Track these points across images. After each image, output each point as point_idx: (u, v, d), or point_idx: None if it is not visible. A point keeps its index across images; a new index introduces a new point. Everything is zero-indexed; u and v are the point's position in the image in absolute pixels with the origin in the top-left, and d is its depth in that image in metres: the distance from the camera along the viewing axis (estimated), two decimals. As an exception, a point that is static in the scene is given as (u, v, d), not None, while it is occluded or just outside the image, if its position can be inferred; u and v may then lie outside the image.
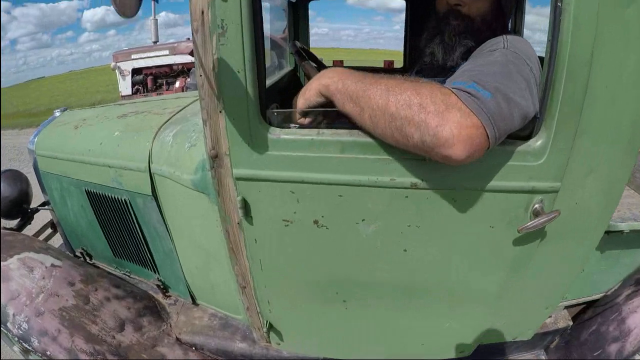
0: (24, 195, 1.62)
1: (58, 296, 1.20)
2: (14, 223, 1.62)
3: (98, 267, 1.44)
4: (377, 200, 0.72)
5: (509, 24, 0.99)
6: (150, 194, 1.05)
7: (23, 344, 1.15)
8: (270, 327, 1.05)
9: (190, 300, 1.32)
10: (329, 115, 0.72)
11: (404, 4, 1.77)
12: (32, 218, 1.70)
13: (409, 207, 0.74)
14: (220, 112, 0.67)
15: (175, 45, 5.56)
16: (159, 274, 1.32)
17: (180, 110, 1.21)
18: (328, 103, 0.69)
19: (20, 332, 1.15)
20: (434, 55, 0.90)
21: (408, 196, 0.72)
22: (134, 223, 1.21)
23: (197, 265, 1.14)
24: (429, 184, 0.71)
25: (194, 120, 1.02)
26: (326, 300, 0.94)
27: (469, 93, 0.57)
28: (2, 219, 1.58)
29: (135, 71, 5.71)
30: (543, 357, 1.30)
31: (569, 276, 1.01)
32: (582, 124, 0.68)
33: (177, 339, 1.26)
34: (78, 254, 1.48)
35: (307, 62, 0.95)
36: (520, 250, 0.85)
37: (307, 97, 0.70)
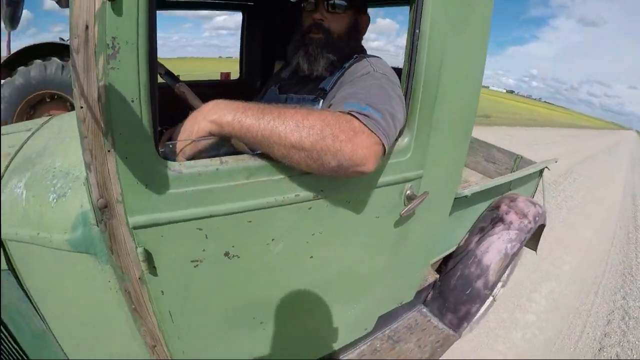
0: None
1: None
2: None
3: None
4: (284, 218, 0.82)
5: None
6: (6, 267, 0.85)
7: None
8: None
9: None
10: (223, 149, 0.76)
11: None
12: None
13: (312, 217, 0.86)
14: (109, 151, 0.62)
15: None
16: None
17: (19, 151, 1.00)
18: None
19: None
20: (299, 67, 1.06)
21: (311, 207, 0.84)
22: None
23: (84, 342, 0.99)
24: (328, 192, 0.85)
25: (46, 162, 0.87)
26: (245, 328, 0.98)
27: (366, 115, 0.73)
28: None
29: None
30: (425, 309, 1.65)
31: (433, 241, 1.33)
32: (433, 122, 0.95)
33: None
34: None
35: (183, 84, 0.92)
36: (399, 230, 1.09)
37: (195, 134, 0.71)
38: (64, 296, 0.89)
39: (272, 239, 0.84)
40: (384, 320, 1.46)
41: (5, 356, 1.08)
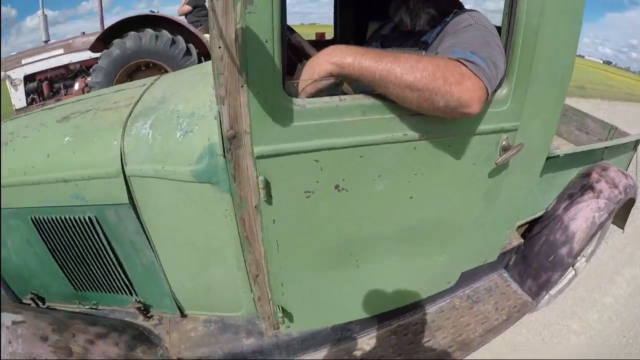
0: None
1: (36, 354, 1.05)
2: None
3: (61, 310, 1.28)
4: (392, 155, 0.87)
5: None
6: (127, 201, 0.98)
7: None
8: (282, 311, 1.12)
9: (179, 313, 1.29)
10: (337, 90, 0.82)
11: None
12: None
13: (416, 157, 0.90)
14: (242, 87, 0.70)
15: (70, 41, 4.90)
16: (136, 295, 1.25)
17: (138, 101, 1.13)
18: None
19: None
20: (402, 22, 1.09)
21: (416, 147, 0.88)
22: (101, 243, 1.11)
23: (190, 271, 1.13)
24: (432, 134, 0.88)
25: (168, 107, 0.99)
26: (340, 264, 1.06)
27: (472, 62, 0.77)
28: None
29: (28, 78, 4.97)
30: (505, 274, 1.64)
31: (523, 199, 1.31)
32: (531, 77, 0.94)
33: (178, 356, 1.23)
34: (27, 301, 1.29)
35: (297, 34, 0.99)
36: (493, 182, 1.10)
37: (317, 75, 0.77)
38: (178, 226, 1.02)
39: (379, 175, 0.89)
40: (465, 279, 1.49)
41: (112, 286, 1.26)
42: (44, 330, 1.13)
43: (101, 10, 5.10)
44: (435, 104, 0.75)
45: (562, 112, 2.34)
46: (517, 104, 0.99)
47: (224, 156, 0.81)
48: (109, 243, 1.11)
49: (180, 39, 4.21)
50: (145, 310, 1.28)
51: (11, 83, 5.01)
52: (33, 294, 1.26)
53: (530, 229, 1.65)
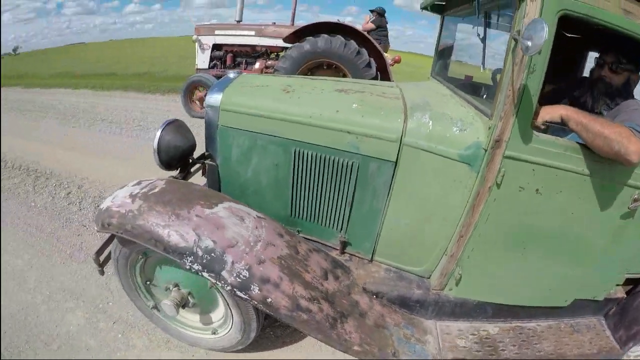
0: (192, 147, 1.92)
1: (274, 245, 1.53)
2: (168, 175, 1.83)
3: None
4: (571, 180, 1.43)
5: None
6: (394, 160, 1.56)
7: (237, 293, 1.37)
8: (459, 275, 1.63)
9: (369, 257, 1.82)
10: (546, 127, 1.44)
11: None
12: (191, 169, 2.00)
13: (583, 186, 1.45)
14: (513, 115, 1.33)
15: (262, 27, 6.14)
16: (345, 232, 1.79)
17: (404, 98, 1.73)
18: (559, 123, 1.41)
19: (239, 280, 1.37)
20: (586, 103, 1.72)
21: (585, 180, 1.44)
22: (348, 184, 1.66)
23: (410, 223, 1.67)
24: (597, 175, 1.43)
25: (437, 110, 1.58)
26: (511, 248, 1.59)
27: (637, 131, 1.34)
28: (162, 168, 1.83)
29: (216, 46, 6.28)
30: (603, 320, 2.04)
31: (637, 251, 1.78)
32: None
33: (363, 288, 1.75)
34: None
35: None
36: (620, 222, 1.59)
37: (550, 116, 1.41)
38: (422, 187, 1.56)
39: (561, 191, 1.46)
40: (572, 311, 1.93)
41: (329, 220, 1.78)
42: (279, 229, 1.63)
43: (294, 9, 6.41)
44: (612, 148, 1.31)
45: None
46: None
47: (485, 150, 1.42)
48: (355, 186, 1.67)
49: (364, 51, 4.96)
50: (343, 246, 1.82)
51: (200, 46, 6.27)
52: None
53: (634, 287, 2.07)
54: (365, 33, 5.37)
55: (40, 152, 4.95)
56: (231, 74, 1.97)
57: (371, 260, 1.86)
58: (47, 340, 2.14)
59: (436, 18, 2.34)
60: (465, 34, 2.06)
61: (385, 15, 6.49)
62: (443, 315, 1.81)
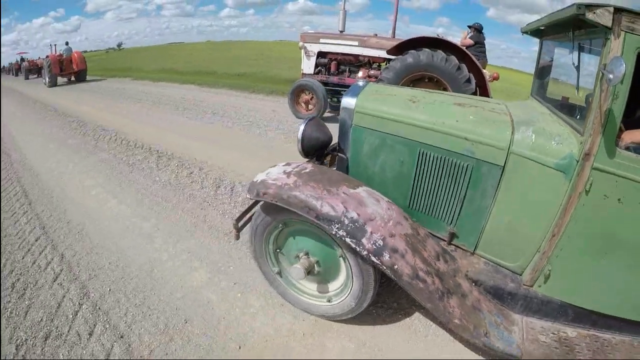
0: (329, 140, 2.44)
1: (401, 225, 1.95)
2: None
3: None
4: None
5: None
6: (502, 165, 1.93)
7: (372, 257, 1.77)
8: (548, 272, 1.91)
9: (472, 250, 2.16)
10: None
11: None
12: (325, 158, 2.49)
13: None
14: (600, 133, 1.65)
15: (365, 39, 6.84)
16: (455, 226, 2.16)
17: (511, 114, 2.07)
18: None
19: (375, 247, 1.77)
20: None
21: None
22: (462, 183, 2.05)
23: (512, 220, 2.00)
24: None
25: (539, 126, 1.92)
26: (596, 253, 1.82)
27: None
28: (302, 155, 2.34)
29: (321, 54, 6.99)
30: None
31: None
32: None
33: (465, 275, 2.10)
34: None
35: None
36: None
37: (631, 139, 1.71)
38: (524, 189, 1.87)
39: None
40: None
41: (442, 213, 2.12)
42: (404, 214, 2.03)
43: (395, 22, 7.03)
44: None
45: None
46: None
47: (577, 161, 1.74)
48: (467, 185, 2.06)
49: (464, 66, 5.24)
50: (451, 238, 2.19)
51: (306, 53, 7.08)
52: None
53: None
54: (464, 48, 5.55)
55: (160, 137, 5.73)
56: (360, 82, 2.43)
57: (473, 253, 2.20)
58: (172, 290, 2.44)
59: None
60: (563, 55, 2.34)
61: (483, 31, 6.67)
62: (530, 312, 2.07)
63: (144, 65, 18.07)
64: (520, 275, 2.10)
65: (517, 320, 2.07)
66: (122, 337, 2.22)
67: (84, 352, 2.14)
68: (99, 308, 2.44)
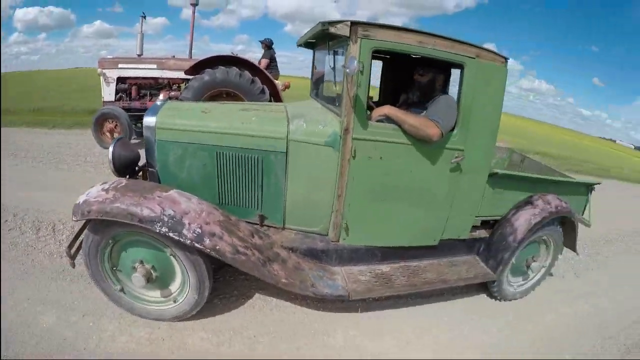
0: (137, 157, 2.55)
1: (213, 214, 2.22)
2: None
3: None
4: (400, 149, 2.26)
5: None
6: (284, 151, 2.32)
7: (195, 244, 2.00)
8: (345, 225, 2.34)
9: (282, 225, 2.53)
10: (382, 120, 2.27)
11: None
12: (137, 174, 2.61)
13: (410, 152, 2.28)
14: (352, 112, 2.15)
15: (163, 61, 6.83)
16: (261, 209, 2.50)
17: (287, 111, 2.50)
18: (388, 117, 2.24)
19: (195, 235, 2.01)
20: (408, 98, 2.62)
21: (411, 148, 2.25)
22: (257, 173, 2.38)
23: (304, 193, 2.41)
24: (423, 145, 2.24)
25: (308, 117, 2.38)
26: (376, 200, 2.37)
27: (437, 121, 2.22)
28: (115, 174, 2.39)
29: (121, 80, 6.77)
30: (476, 257, 2.75)
31: (478, 194, 2.54)
32: (470, 124, 2.35)
33: (281, 245, 2.46)
34: None
35: (371, 99, 2.44)
36: (453, 175, 2.42)
37: (378, 114, 2.26)
38: (308, 167, 2.33)
39: (398, 157, 2.22)
40: (449, 251, 2.71)
41: (248, 202, 2.46)
42: (214, 206, 2.37)
43: (191, 42, 7.20)
44: (419, 133, 2.19)
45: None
46: (461, 137, 2.35)
47: (340, 137, 2.18)
48: (262, 173, 2.41)
49: (257, 79, 5.82)
50: (261, 220, 2.52)
51: (105, 80, 6.77)
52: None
53: (492, 227, 2.81)
54: (259, 65, 6.26)
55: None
56: (158, 101, 2.57)
57: (284, 228, 2.59)
58: (23, 340, 2.28)
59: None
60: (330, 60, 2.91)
61: (273, 46, 7.17)
62: (344, 262, 2.55)
63: None
64: (327, 235, 2.55)
65: (337, 271, 2.53)
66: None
67: None
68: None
